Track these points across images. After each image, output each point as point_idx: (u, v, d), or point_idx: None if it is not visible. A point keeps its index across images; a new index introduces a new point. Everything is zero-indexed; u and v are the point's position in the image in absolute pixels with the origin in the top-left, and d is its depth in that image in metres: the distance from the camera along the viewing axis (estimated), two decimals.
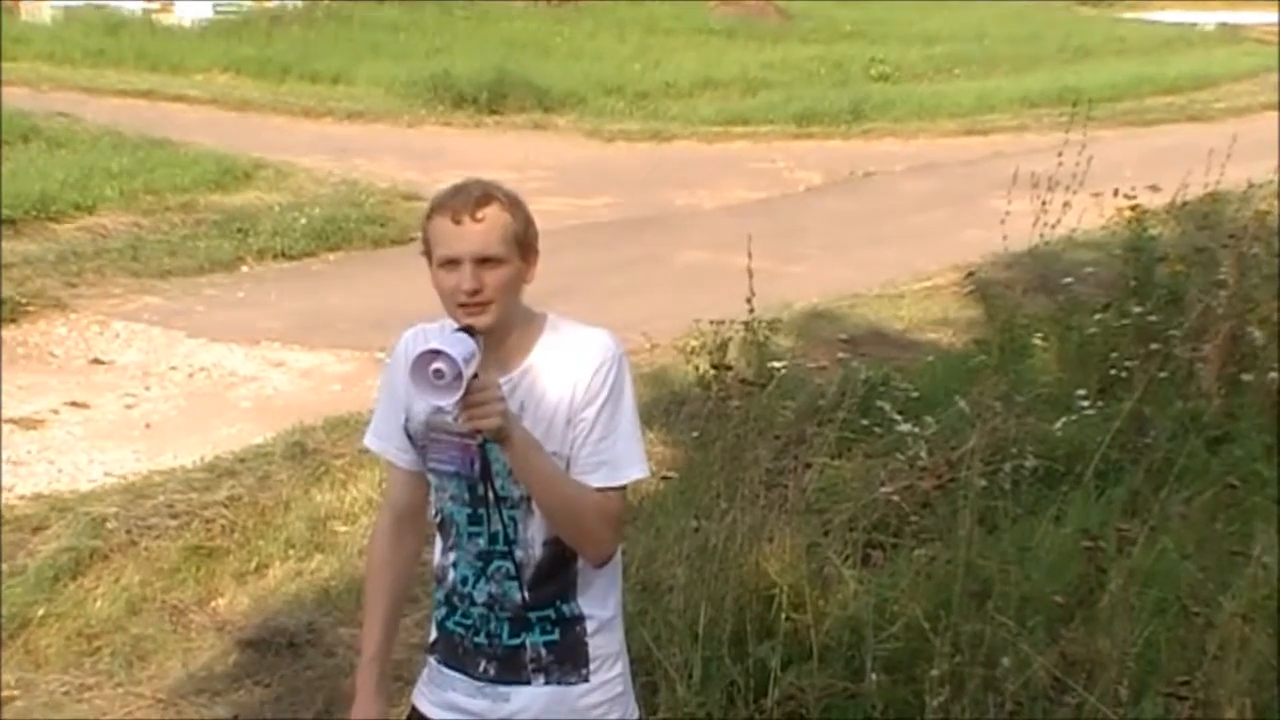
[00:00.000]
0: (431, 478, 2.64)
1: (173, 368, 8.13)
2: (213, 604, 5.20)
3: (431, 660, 2.74)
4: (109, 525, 5.51)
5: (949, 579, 4.16)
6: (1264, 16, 35.16)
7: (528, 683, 2.60)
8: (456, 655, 2.67)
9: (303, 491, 5.99)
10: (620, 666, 2.68)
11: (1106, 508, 4.99)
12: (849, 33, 28.04)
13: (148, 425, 7.18)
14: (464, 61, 20.05)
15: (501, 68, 19.04)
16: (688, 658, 3.92)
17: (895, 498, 4.90)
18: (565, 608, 2.60)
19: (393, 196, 12.70)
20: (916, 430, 5.53)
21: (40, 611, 4.98)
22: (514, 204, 2.51)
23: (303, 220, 11.44)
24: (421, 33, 24.41)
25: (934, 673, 3.68)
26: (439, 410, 2.42)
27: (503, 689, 2.62)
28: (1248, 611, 3.81)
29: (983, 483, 4.47)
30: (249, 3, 25.96)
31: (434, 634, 2.74)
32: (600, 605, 2.63)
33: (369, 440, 2.77)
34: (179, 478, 6.11)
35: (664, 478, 5.58)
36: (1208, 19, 34.02)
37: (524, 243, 2.51)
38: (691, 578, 4.17)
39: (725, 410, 4.86)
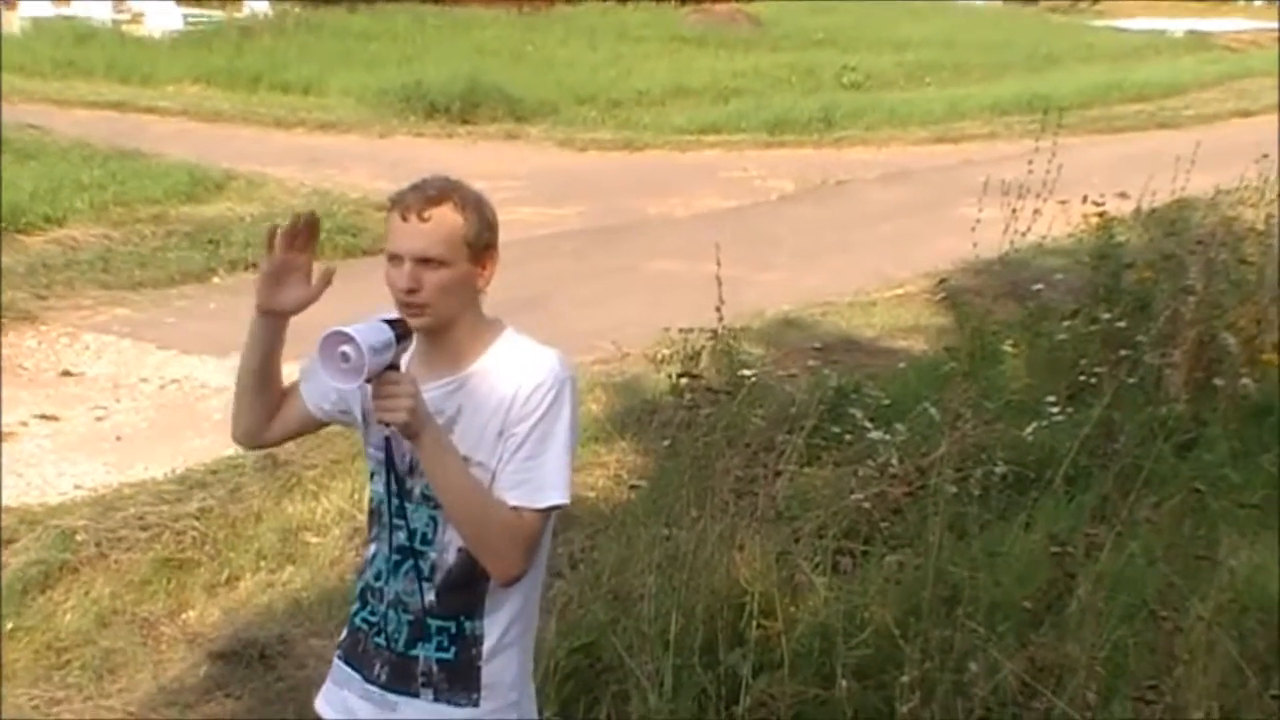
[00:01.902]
0: (370, 463, 2.62)
1: (143, 379, 8.09)
2: (183, 616, 5.18)
3: (336, 657, 2.71)
4: (79, 538, 5.48)
5: (919, 585, 4.18)
6: (1232, 24, 35.55)
7: (416, 695, 2.56)
8: (357, 653, 2.64)
9: (274, 503, 5.98)
10: (515, 695, 2.60)
11: (1076, 513, 5.02)
12: (820, 40, 28.07)
13: (118, 437, 7.15)
14: (436, 70, 20.01)
15: (473, 77, 19.01)
16: (659, 666, 3.93)
17: (866, 505, 4.90)
18: (467, 624, 2.53)
19: (364, 207, 12.64)
20: (887, 437, 5.54)
21: (9, 625, 4.95)
22: (469, 206, 2.48)
23: None
24: (393, 41, 24.37)
25: (904, 679, 3.70)
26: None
27: (391, 697, 2.58)
28: (1215, 615, 3.84)
29: (953, 489, 4.49)
30: (219, 13, 25.88)
31: (345, 629, 2.71)
32: (504, 631, 2.55)
33: (300, 371, 2.73)
34: (149, 490, 6.09)
35: (634, 486, 5.58)
36: (1176, 26, 34.22)
37: (475, 246, 2.47)
38: (662, 586, 4.17)
39: (696, 419, 4.86)
